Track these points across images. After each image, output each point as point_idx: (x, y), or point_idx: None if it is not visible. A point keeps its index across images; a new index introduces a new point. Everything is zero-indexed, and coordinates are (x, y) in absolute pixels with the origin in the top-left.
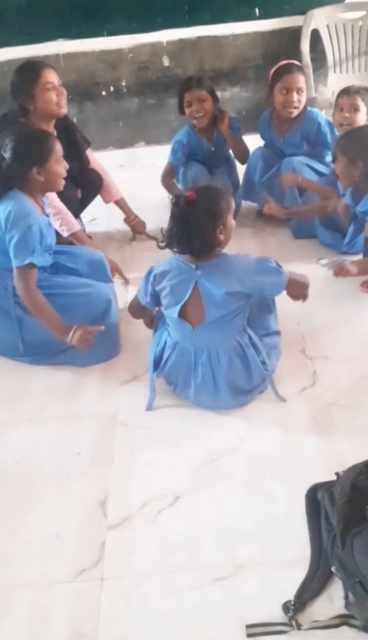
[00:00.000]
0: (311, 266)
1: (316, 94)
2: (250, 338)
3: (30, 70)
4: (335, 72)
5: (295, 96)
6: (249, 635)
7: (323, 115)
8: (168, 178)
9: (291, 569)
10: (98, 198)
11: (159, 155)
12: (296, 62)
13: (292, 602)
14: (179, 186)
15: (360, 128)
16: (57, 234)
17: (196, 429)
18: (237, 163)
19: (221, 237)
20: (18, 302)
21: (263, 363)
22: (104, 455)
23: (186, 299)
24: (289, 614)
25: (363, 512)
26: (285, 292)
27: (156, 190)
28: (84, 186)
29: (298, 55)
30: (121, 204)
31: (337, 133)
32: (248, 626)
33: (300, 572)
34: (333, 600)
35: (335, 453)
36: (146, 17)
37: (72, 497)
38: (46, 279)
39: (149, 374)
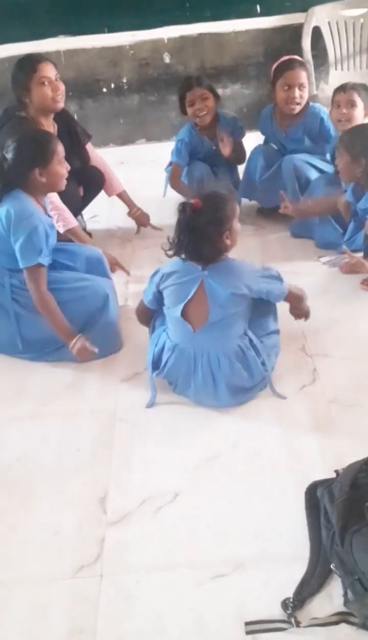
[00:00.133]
0: (312, 264)
1: (317, 92)
2: (251, 341)
3: (27, 64)
4: (336, 69)
5: (297, 92)
6: (248, 633)
7: (326, 110)
8: (178, 180)
9: (291, 567)
10: (99, 194)
11: (160, 152)
12: (298, 57)
13: (291, 600)
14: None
15: (364, 125)
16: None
17: (196, 426)
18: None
19: (228, 242)
20: (16, 299)
21: (263, 364)
22: (104, 452)
23: (189, 297)
24: (288, 611)
25: (362, 509)
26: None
27: (156, 187)
28: (86, 184)
29: (299, 52)
30: (123, 196)
31: (337, 131)
32: (247, 623)
33: (299, 570)
34: (332, 597)
35: (334, 450)
36: (147, 14)
37: (71, 493)
38: None
39: (148, 373)
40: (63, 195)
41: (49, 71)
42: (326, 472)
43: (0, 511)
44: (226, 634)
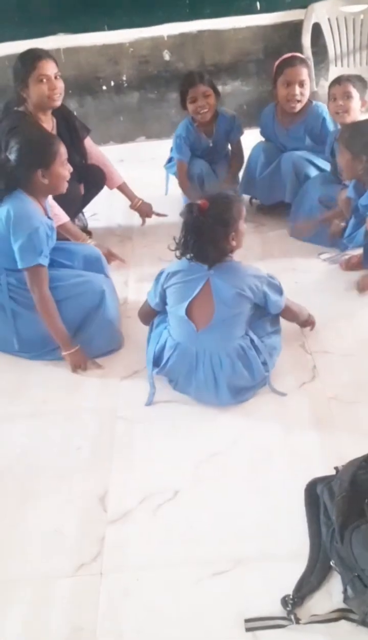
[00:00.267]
0: (312, 261)
1: (317, 88)
2: (252, 341)
3: (28, 59)
4: (336, 65)
5: (297, 89)
6: (248, 630)
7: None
8: (185, 178)
9: (290, 564)
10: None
11: (160, 149)
12: (299, 54)
13: (291, 597)
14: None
15: (362, 122)
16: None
17: (196, 424)
18: None
19: (234, 243)
20: (13, 297)
21: (264, 363)
22: (104, 450)
23: (194, 295)
24: (288, 608)
25: (362, 506)
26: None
27: (156, 184)
28: (87, 182)
29: (299, 49)
30: (123, 189)
31: (335, 126)
32: (246, 620)
33: (299, 567)
34: (332, 594)
35: (334, 447)
36: (147, 11)
37: (71, 492)
38: None
39: (147, 371)
40: (64, 194)
41: (48, 69)
42: (326, 469)
43: (0, 509)
44: (226, 631)
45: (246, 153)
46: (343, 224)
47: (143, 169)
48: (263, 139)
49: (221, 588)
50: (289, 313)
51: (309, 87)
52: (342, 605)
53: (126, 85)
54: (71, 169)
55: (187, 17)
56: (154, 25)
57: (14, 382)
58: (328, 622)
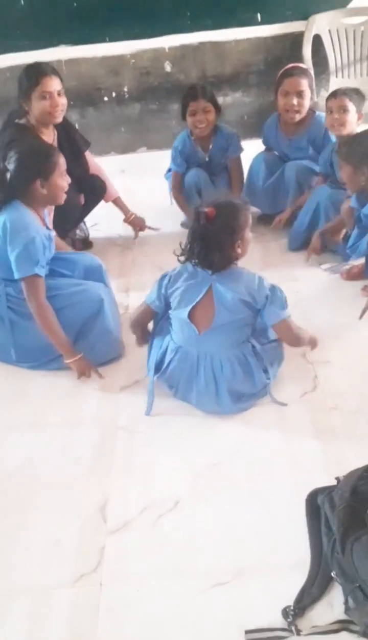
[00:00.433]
0: (313, 270)
1: (317, 99)
2: (254, 348)
3: (32, 74)
4: (336, 77)
5: (295, 99)
6: None
7: None
8: (178, 189)
9: (291, 574)
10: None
11: (161, 160)
12: (301, 65)
13: (292, 608)
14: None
15: (360, 134)
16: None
17: (196, 434)
18: None
19: (239, 250)
20: (11, 308)
21: (266, 371)
22: (104, 460)
23: (198, 299)
24: (289, 619)
25: (363, 517)
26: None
27: (158, 195)
28: (87, 192)
29: (299, 60)
30: (118, 202)
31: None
32: (247, 631)
33: (299, 577)
34: (333, 605)
35: (335, 458)
36: (148, 23)
37: (71, 502)
38: None
39: (148, 379)
40: (64, 204)
41: (51, 85)
42: (327, 479)
43: (0, 519)
44: None
45: (247, 163)
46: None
47: (144, 180)
48: (264, 149)
49: (221, 599)
50: (287, 331)
51: (309, 97)
52: (343, 617)
53: (127, 96)
54: (70, 180)
55: (188, 28)
56: (156, 37)
57: (14, 392)
58: (329, 633)
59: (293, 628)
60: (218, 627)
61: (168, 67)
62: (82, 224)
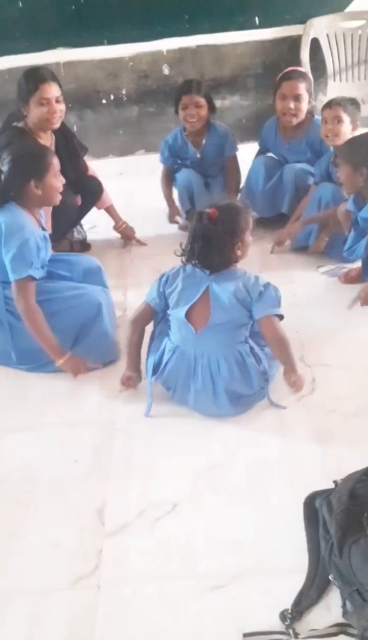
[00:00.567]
0: (310, 274)
1: (315, 103)
2: (252, 349)
3: (30, 80)
4: (334, 80)
5: (292, 103)
6: None
7: None
8: (166, 181)
9: (289, 578)
10: None
11: (159, 163)
12: (300, 68)
13: (289, 611)
14: (176, 190)
15: (361, 136)
16: (57, 243)
17: (195, 436)
18: None
19: (239, 252)
20: (10, 311)
21: (264, 373)
22: (102, 462)
23: (196, 299)
24: (286, 623)
25: (361, 520)
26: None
27: (155, 198)
28: (84, 193)
29: (297, 64)
30: (110, 210)
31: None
32: (245, 635)
33: (297, 581)
34: (330, 608)
35: (333, 461)
36: (146, 26)
37: (69, 504)
38: (36, 285)
39: (147, 381)
40: (61, 205)
41: (49, 92)
42: (325, 483)
43: None
44: None
45: (246, 166)
46: (327, 239)
47: (142, 182)
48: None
49: (219, 602)
50: (271, 328)
51: (307, 101)
52: (341, 620)
53: (125, 99)
54: (64, 181)
55: (186, 32)
56: (154, 40)
57: (12, 394)
58: (327, 636)
59: (290, 631)
60: (216, 630)
61: (166, 70)
62: (79, 226)
